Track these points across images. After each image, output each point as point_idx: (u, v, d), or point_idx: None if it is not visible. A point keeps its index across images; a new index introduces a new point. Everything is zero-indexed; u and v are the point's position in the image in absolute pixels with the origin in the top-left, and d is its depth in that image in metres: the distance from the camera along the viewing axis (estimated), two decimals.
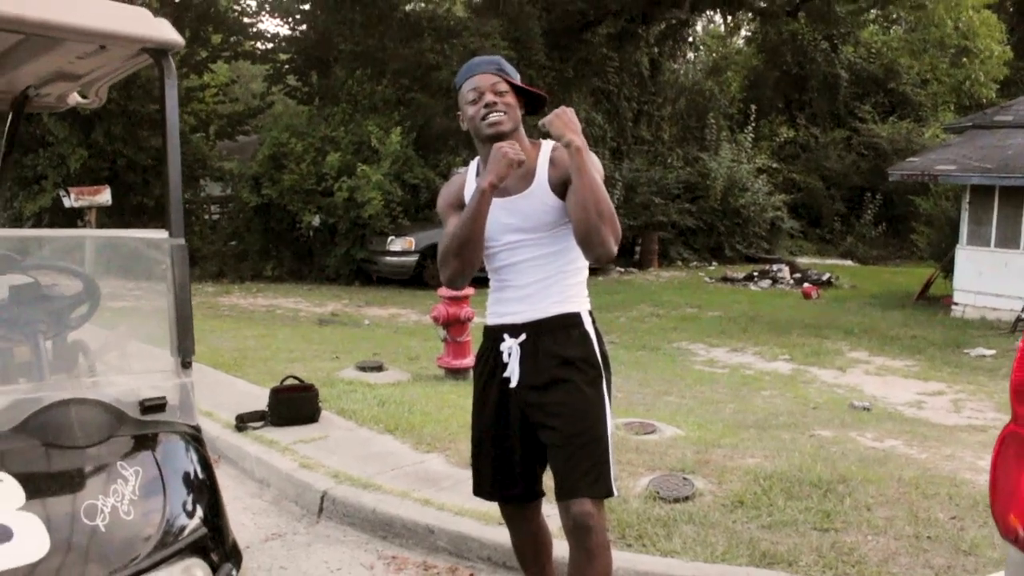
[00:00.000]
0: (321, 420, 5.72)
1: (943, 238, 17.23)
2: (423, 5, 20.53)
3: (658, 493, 4.44)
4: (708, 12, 25.38)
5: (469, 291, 8.09)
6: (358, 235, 17.51)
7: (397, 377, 7.80)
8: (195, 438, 2.28)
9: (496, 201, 2.68)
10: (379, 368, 7.92)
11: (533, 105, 2.85)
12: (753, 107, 25.63)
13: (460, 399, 6.80)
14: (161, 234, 2.31)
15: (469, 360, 8.19)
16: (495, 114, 2.64)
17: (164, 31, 2.25)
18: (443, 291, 8.03)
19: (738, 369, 10.38)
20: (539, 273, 2.74)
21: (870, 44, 25.60)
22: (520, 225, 2.72)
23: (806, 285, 18.04)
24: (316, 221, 17.81)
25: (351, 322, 13.12)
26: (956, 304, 15.14)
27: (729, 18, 25.85)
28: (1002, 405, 8.96)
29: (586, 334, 2.77)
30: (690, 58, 28.32)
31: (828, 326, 13.50)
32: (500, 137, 2.66)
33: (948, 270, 16.39)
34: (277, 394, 5.56)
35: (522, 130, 2.77)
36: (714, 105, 26.36)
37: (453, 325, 7.93)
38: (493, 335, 2.82)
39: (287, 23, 20.56)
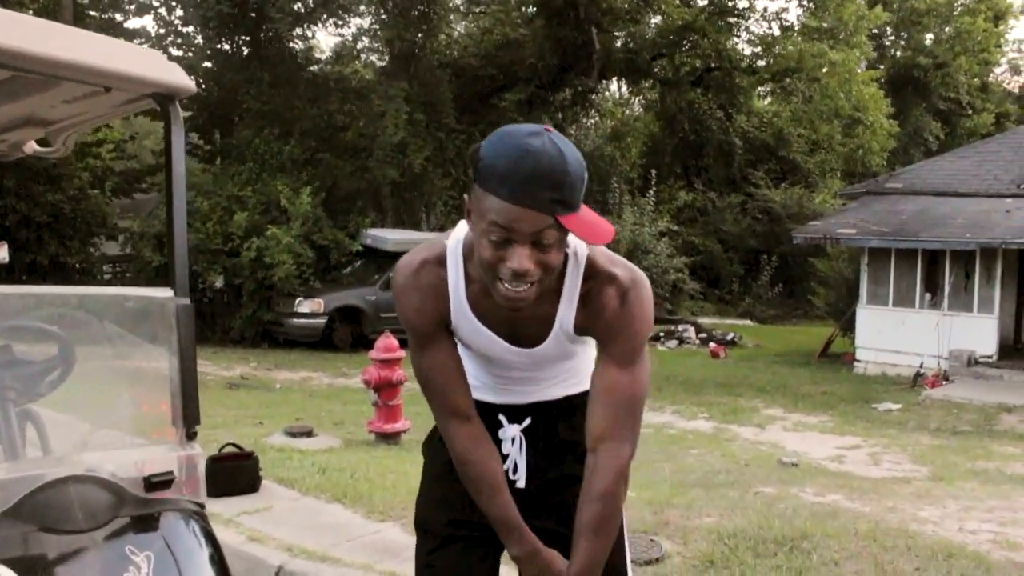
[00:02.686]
0: (262, 490, 5.41)
1: (840, 298, 17.86)
2: (331, 67, 20.39)
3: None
4: (614, 80, 26.05)
5: (400, 353, 7.91)
6: (265, 296, 17.05)
7: (328, 443, 7.50)
8: (202, 517, 2.06)
9: (499, 341, 1.97)
10: (309, 434, 7.61)
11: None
12: (653, 172, 26.28)
13: (401, 465, 6.57)
14: (166, 292, 2.11)
15: (401, 424, 7.96)
16: (521, 288, 1.73)
17: (176, 75, 2.08)
18: (374, 353, 7.82)
19: (661, 428, 10.42)
20: (537, 372, 2.08)
21: (762, 114, 26.69)
22: (533, 365, 2.03)
23: (712, 345, 18.37)
24: (220, 282, 17.26)
25: (262, 386, 12.65)
26: (858, 361, 15.64)
27: (633, 87, 26.55)
28: (916, 457, 9.21)
29: None
30: (592, 124, 28.93)
31: (740, 384, 13.74)
32: (517, 311, 1.82)
33: (846, 328, 16.96)
34: (216, 463, 5.23)
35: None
36: (615, 170, 26.92)
37: (385, 388, 7.72)
38: (483, 415, 2.07)
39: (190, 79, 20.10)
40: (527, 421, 2.09)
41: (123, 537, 1.88)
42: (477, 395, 2.07)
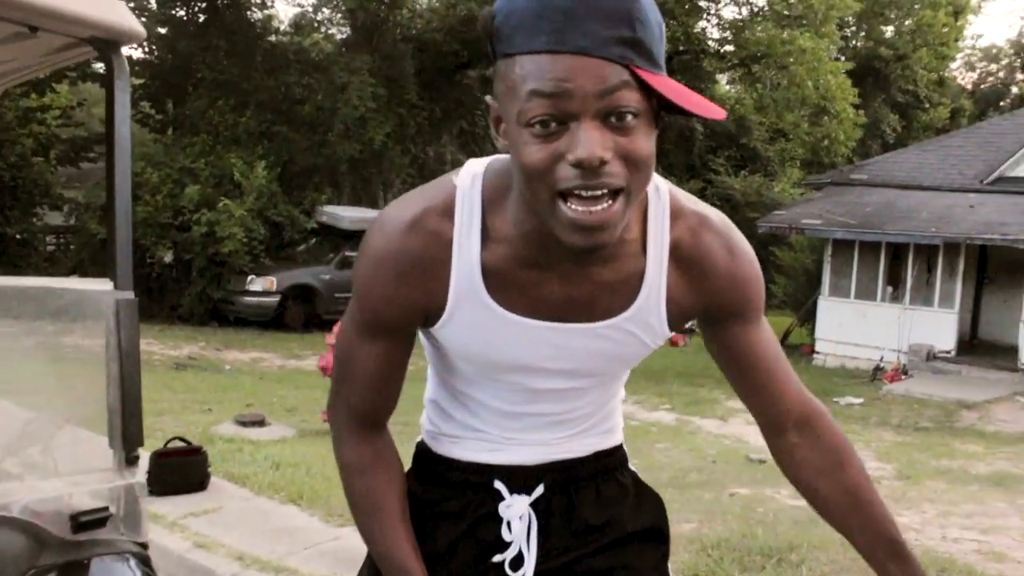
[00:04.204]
0: (210, 488, 5.01)
1: (799, 289, 17.79)
2: (289, 38, 19.76)
3: None
4: None
5: None
6: (215, 273, 16.50)
7: (281, 433, 7.12)
8: (144, 560, 1.68)
9: (535, 325, 1.27)
10: (261, 423, 7.21)
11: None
12: None
13: None
14: (104, 285, 1.72)
15: None
16: (600, 205, 1.07)
17: (121, 15, 1.68)
18: (331, 338, 7.42)
19: (625, 420, 10.17)
20: (573, 402, 1.40)
21: (724, 100, 26.56)
22: (577, 369, 1.33)
23: (673, 333, 18.21)
24: (169, 257, 16.67)
25: (211, 367, 12.17)
26: (817, 353, 15.58)
27: None
28: (881, 454, 9.10)
29: (636, 480, 1.53)
30: None
31: (700, 374, 13.56)
32: (595, 252, 1.14)
33: (805, 320, 16.90)
34: (160, 459, 4.82)
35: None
36: None
37: None
38: (470, 483, 1.43)
39: (142, 47, 19.36)
40: (538, 490, 1.41)
41: None
42: (459, 451, 1.42)
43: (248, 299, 16.14)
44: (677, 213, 1.26)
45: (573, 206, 1.05)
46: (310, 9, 20.79)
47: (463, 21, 20.53)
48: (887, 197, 15.66)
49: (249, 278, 16.11)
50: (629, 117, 1.03)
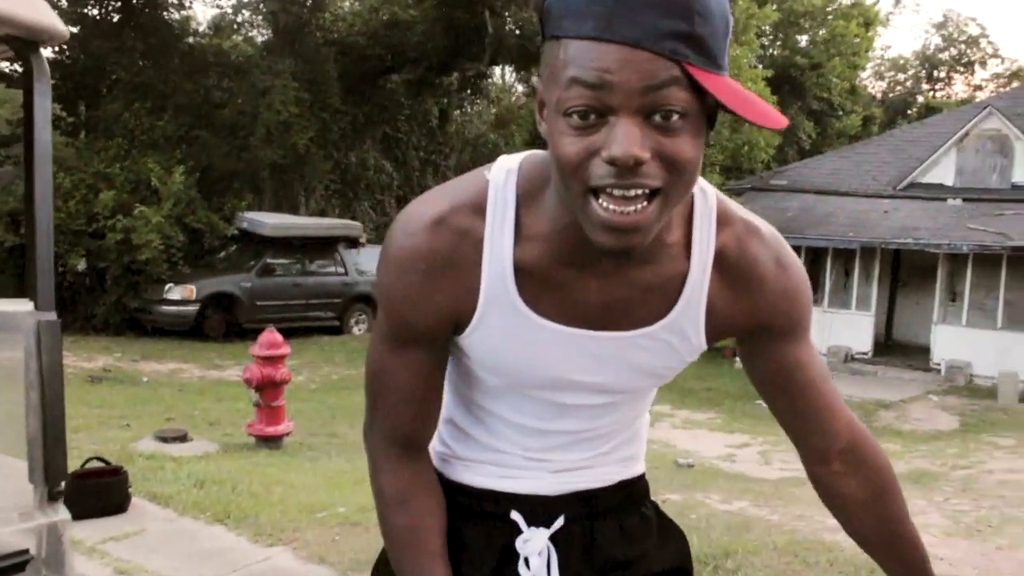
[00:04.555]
0: (131, 509, 4.80)
1: None
2: (208, 40, 19.30)
3: None
4: (505, 66, 25.67)
5: (284, 349, 7.36)
6: (131, 282, 16.01)
7: (204, 448, 6.88)
8: None
9: (570, 333, 1.19)
10: (183, 438, 6.97)
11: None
12: None
13: (286, 474, 6.06)
14: (24, 305, 1.58)
15: (284, 426, 7.40)
16: (632, 206, 0.99)
17: (42, 13, 1.54)
18: (256, 349, 7.23)
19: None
20: (601, 419, 1.31)
21: None
22: (609, 384, 1.25)
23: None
24: (82, 265, 16.08)
25: (127, 379, 11.76)
26: (738, 356, 15.81)
27: (523, 72, 26.26)
28: None
29: (659, 513, 1.45)
30: (477, 110, 28.55)
31: None
32: (625, 255, 1.09)
33: None
34: (78, 480, 4.59)
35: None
36: (499, 157, 26.67)
37: (267, 388, 7.13)
38: (484, 512, 1.34)
39: (53, 46, 18.68)
40: (558, 523, 1.31)
41: None
42: (472, 477, 1.33)
43: (166, 308, 15.68)
44: (724, 219, 1.18)
45: (605, 204, 0.98)
46: (229, 11, 20.41)
47: (387, 25, 20.40)
48: (806, 202, 16.03)
49: (167, 286, 15.66)
50: (675, 117, 0.96)
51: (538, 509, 1.31)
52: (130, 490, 4.89)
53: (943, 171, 16.37)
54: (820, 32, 31.00)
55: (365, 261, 17.80)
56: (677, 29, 0.94)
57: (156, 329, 15.85)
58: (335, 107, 19.10)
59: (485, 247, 1.13)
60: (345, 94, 19.40)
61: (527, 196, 1.14)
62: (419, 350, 1.20)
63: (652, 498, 1.44)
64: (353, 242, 17.47)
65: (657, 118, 0.95)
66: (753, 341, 1.24)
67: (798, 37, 30.74)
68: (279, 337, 7.24)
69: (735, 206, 1.23)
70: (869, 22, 33.27)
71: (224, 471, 5.85)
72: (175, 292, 15.65)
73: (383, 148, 22.49)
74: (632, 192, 0.97)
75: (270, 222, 16.59)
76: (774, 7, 26.87)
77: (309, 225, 17.47)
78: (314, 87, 18.31)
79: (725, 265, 1.18)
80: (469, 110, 28.00)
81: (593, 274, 1.14)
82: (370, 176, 21.71)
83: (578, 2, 0.96)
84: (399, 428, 1.25)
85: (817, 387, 1.26)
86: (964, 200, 15.77)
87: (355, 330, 17.25)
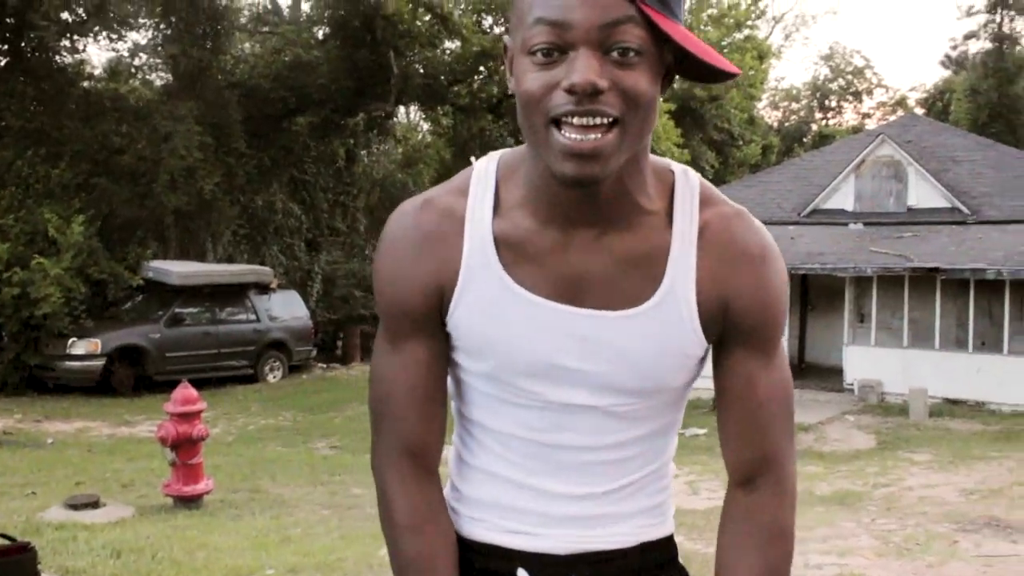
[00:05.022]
0: None
1: None
2: (105, 84, 18.76)
3: None
4: (412, 106, 25.65)
5: (200, 405, 7.08)
6: (31, 338, 15.29)
7: (119, 514, 6.52)
8: None
9: (552, 307, 1.17)
10: (94, 504, 6.59)
11: (698, 67, 1.11)
12: None
13: (208, 536, 5.78)
14: None
15: (203, 485, 7.09)
16: (593, 133, 1.03)
17: None
18: (170, 406, 6.92)
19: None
20: (606, 434, 1.23)
21: None
22: (607, 379, 1.19)
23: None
24: None
25: (31, 442, 11.16)
26: None
27: (429, 112, 26.30)
28: None
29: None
30: (384, 150, 28.45)
31: None
32: (587, 185, 1.07)
33: None
34: None
35: (647, 149, 1.15)
36: (408, 196, 26.57)
37: (184, 446, 6.82)
38: (489, 571, 1.28)
39: None
40: None
41: None
42: (477, 531, 1.26)
43: (70, 364, 15.09)
44: (709, 199, 1.19)
45: (566, 133, 1.03)
46: (126, 54, 19.86)
47: (290, 67, 20.20)
48: None
49: (70, 341, 15.08)
50: (631, 54, 1.02)
51: (548, 569, 1.22)
52: (39, 567, 4.55)
53: (843, 197, 16.93)
54: None
55: (277, 307, 17.52)
56: None
57: (60, 386, 15.23)
58: (240, 151, 18.80)
59: (467, 220, 1.17)
60: (250, 137, 19.10)
61: (507, 173, 1.19)
62: (415, 343, 1.21)
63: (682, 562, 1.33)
64: (264, 288, 17.23)
65: (614, 54, 1.02)
66: (724, 345, 1.20)
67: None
68: (194, 392, 6.97)
69: (721, 194, 1.22)
70: (762, 55, 34.50)
71: (142, 537, 5.54)
72: (79, 347, 15.12)
73: (291, 191, 22.21)
74: (591, 120, 1.02)
75: (177, 270, 16.20)
76: None
77: (217, 272, 17.17)
78: (218, 131, 17.98)
79: (709, 240, 1.16)
80: (376, 150, 27.87)
81: (572, 242, 1.14)
82: (278, 220, 21.42)
83: None
84: (405, 436, 1.23)
85: (766, 415, 1.20)
86: (865, 224, 16.31)
87: (269, 378, 16.93)
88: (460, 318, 1.18)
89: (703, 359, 1.23)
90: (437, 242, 1.17)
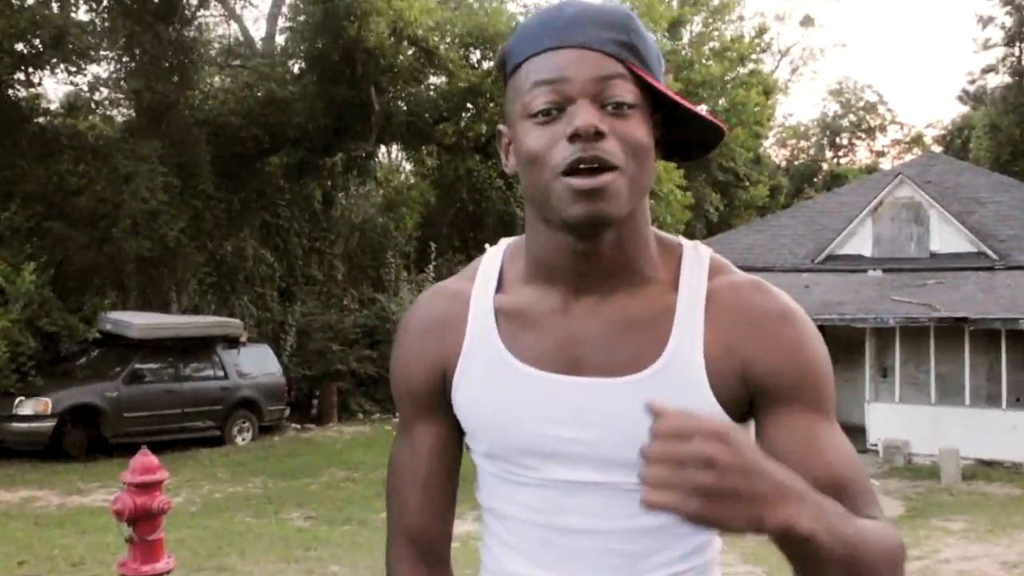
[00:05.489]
0: None
1: None
2: (62, 120, 18.76)
3: None
4: (395, 145, 25.69)
5: (161, 474, 6.83)
6: None
7: None
8: None
9: (547, 377, 1.21)
10: None
11: (685, 139, 1.26)
12: (432, 245, 26.08)
13: None
14: None
15: (163, 564, 6.75)
16: (597, 178, 1.11)
17: None
18: (127, 476, 6.65)
19: (470, 539, 9.78)
20: (613, 518, 1.21)
21: None
22: (606, 450, 1.19)
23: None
24: None
25: None
26: None
27: (412, 152, 26.36)
28: (747, 555, 9.14)
29: None
30: (364, 192, 28.46)
31: None
32: (596, 225, 1.14)
33: None
34: None
35: (647, 212, 1.24)
36: (390, 243, 26.51)
37: (142, 520, 6.54)
38: None
39: None
40: None
41: None
42: None
43: (16, 425, 14.79)
44: (720, 269, 1.25)
45: (572, 179, 1.12)
46: (85, 88, 19.86)
47: (263, 103, 20.25)
48: None
49: (17, 400, 14.81)
50: (625, 107, 1.14)
51: None
52: None
53: (860, 242, 16.93)
54: (720, 101, 32.27)
55: (247, 362, 17.36)
56: (617, 38, 1.17)
57: (4, 450, 14.92)
58: (208, 193, 18.79)
59: (471, 299, 1.28)
60: (219, 179, 19.12)
61: (513, 253, 1.31)
62: (422, 429, 1.31)
63: None
64: (233, 341, 17.09)
65: (610, 107, 1.14)
66: (762, 412, 1.17)
67: (699, 107, 31.96)
68: (154, 460, 6.65)
69: (736, 268, 1.27)
70: (768, 90, 34.91)
71: None
72: (26, 406, 14.84)
73: (262, 236, 22.18)
74: (597, 164, 1.11)
75: (137, 322, 16.03)
76: (671, 77, 27.87)
77: (182, 324, 17.00)
78: (184, 172, 17.96)
79: (718, 304, 1.20)
80: (355, 192, 27.90)
81: (573, 308, 1.21)
82: (249, 267, 21.35)
83: (534, 29, 1.20)
84: (408, 524, 1.31)
85: (838, 471, 1.12)
86: (884, 271, 16.29)
87: (238, 440, 16.72)
88: (461, 397, 1.26)
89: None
90: (443, 325, 1.29)
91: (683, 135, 1.23)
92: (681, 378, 1.16)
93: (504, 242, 1.34)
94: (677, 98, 1.17)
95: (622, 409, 1.16)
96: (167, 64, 18.69)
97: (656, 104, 1.18)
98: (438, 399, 1.28)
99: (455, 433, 1.30)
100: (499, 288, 1.27)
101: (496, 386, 1.23)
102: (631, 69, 1.15)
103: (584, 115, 1.11)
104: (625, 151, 1.12)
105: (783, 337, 1.16)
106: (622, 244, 1.18)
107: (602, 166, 1.10)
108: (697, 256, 1.24)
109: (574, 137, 1.10)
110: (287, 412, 18.60)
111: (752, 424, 1.19)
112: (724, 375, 1.16)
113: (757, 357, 1.16)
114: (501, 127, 1.25)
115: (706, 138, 1.24)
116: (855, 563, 0.98)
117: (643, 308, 1.19)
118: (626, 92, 1.14)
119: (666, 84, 1.21)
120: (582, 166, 1.10)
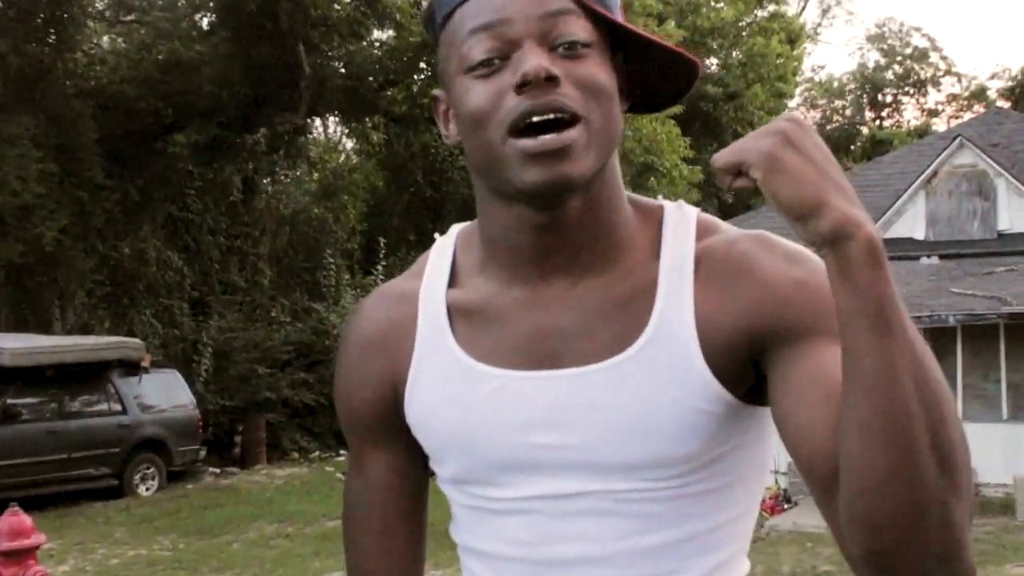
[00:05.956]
0: None
1: None
2: None
3: None
4: (331, 117, 25.62)
5: (36, 539, 6.76)
6: None
7: None
8: None
9: (512, 376, 1.25)
10: None
11: (652, 85, 1.29)
12: (381, 240, 25.99)
13: None
14: None
15: None
16: (554, 135, 1.13)
17: None
18: None
19: None
20: (608, 537, 1.24)
21: None
22: (590, 452, 1.23)
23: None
24: None
25: None
26: None
27: (353, 125, 26.29)
28: None
29: None
30: (294, 177, 28.37)
31: None
32: (559, 192, 1.16)
33: None
34: None
35: (617, 169, 1.28)
36: (328, 239, 26.43)
37: None
38: None
39: None
40: None
41: None
42: None
43: None
44: (710, 229, 1.28)
45: (525, 139, 1.14)
46: None
47: (164, 68, 20.21)
48: None
49: None
50: (579, 46, 1.17)
51: None
52: None
53: (911, 222, 16.97)
54: (734, 53, 32.39)
55: (151, 392, 17.42)
56: None
57: None
58: (96, 182, 18.83)
59: (421, 296, 1.33)
60: (110, 164, 19.20)
61: (466, 241, 1.36)
62: (374, 459, 1.38)
63: None
64: (132, 367, 17.10)
65: (561, 49, 1.16)
66: (777, 358, 1.18)
67: (708, 61, 32.07)
68: (27, 521, 6.65)
69: (731, 226, 1.31)
70: (793, 38, 35.07)
71: None
72: None
73: (168, 235, 22.23)
74: (551, 115, 1.13)
75: (9, 347, 15.90)
76: (673, 23, 27.95)
77: (67, 347, 16.89)
78: (65, 155, 18.07)
79: (710, 268, 1.23)
80: (284, 177, 27.82)
81: (541, 297, 1.25)
82: (152, 273, 21.38)
83: None
84: (362, 567, 1.41)
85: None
86: (941, 257, 16.31)
87: (141, 490, 16.76)
88: (416, 413, 1.31)
89: (737, 421, 1.22)
90: (389, 333, 1.34)
91: (651, 78, 1.27)
92: (667, 356, 1.19)
93: (455, 228, 1.39)
94: (639, 30, 1.21)
95: (606, 399, 1.20)
96: (39, 19, 18.74)
97: (615, 44, 1.22)
98: (391, 421, 1.34)
99: (416, 460, 1.37)
100: (452, 282, 1.32)
101: (455, 394, 1.27)
102: (582, 2, 1.18)
103: (532, 59, 1.13)
104: (585, 97, 1.15)
105: (792, 275, 1.19)
106: (591, 212, 1.22)
107: (559, 118, 1.13)
108: (682, 216, 1.28)
109: (522, 86, 1.13)
110: (202, 453, 18.65)
111: (758, 414, 1.24)
112: (721, 340, 1.19)
113: (762, 297, 1.19)
114: (436, 91, 1.30)
115: (677, 79, 1.27)
116: (922, 364, 0.99)
117: (623, 284, 1.23)
118: (579, 29, 1.17)
119: (627, 20, 1.24)
120: (535, 119, 1.13)
